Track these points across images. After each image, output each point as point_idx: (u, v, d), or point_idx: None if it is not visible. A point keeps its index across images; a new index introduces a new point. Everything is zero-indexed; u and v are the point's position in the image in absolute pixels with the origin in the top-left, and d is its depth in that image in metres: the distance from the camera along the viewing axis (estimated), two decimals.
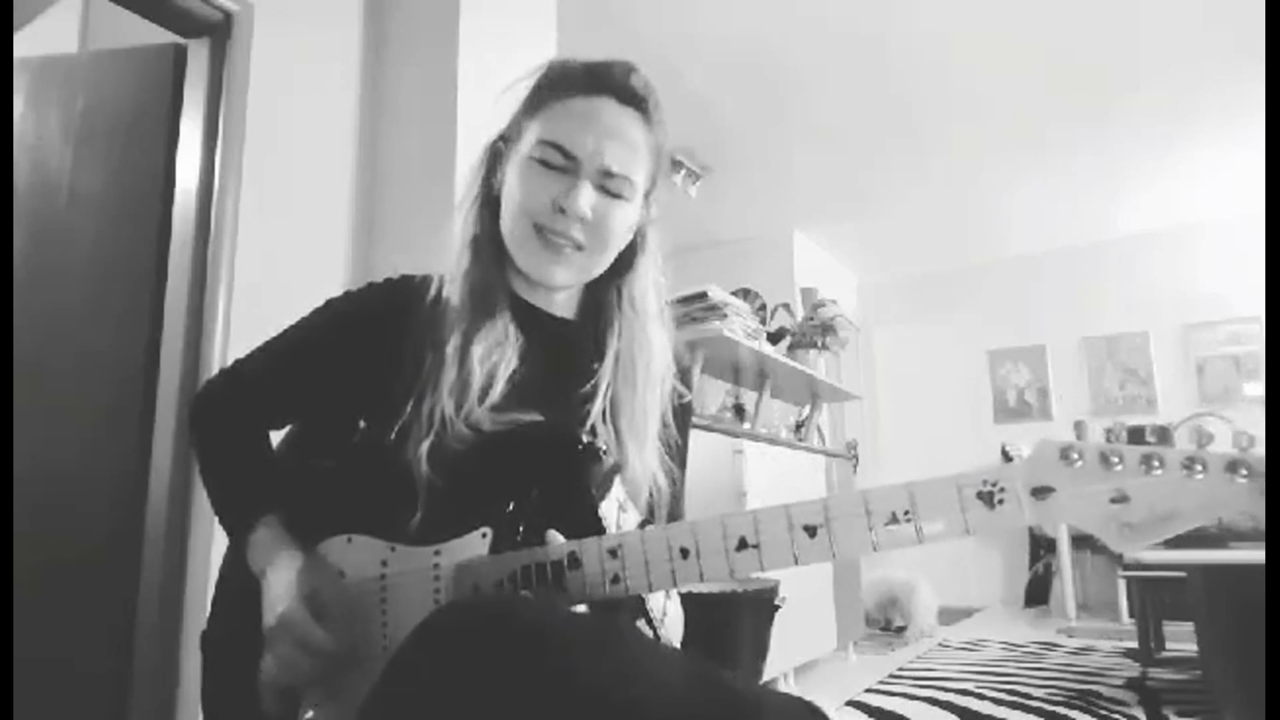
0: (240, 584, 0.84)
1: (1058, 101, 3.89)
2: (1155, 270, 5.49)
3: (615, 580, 0.72)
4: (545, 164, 0.86)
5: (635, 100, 0.90)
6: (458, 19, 2.25)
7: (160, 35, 2.11)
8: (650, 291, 0.96)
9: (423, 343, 0.86)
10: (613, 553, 0.72)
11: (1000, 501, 0.63)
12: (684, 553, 0.70)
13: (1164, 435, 3.18)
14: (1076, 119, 4.07)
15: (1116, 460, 0.61)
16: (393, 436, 0.82)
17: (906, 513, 0.64)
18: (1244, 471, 0.58)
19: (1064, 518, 0.62)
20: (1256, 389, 5.09)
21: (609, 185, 0.87)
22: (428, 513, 0.79)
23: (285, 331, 0.95)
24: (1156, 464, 0.60)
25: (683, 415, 1.01)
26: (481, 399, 0.83)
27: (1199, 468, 0.59)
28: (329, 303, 0.95)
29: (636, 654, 0.63)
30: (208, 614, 0.91)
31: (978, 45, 3.44)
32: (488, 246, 0.91)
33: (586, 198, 0.85)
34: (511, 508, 0.78)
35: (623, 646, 0.63)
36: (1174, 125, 4.14)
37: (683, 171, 4.37)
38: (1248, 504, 0.58)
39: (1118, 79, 3.71)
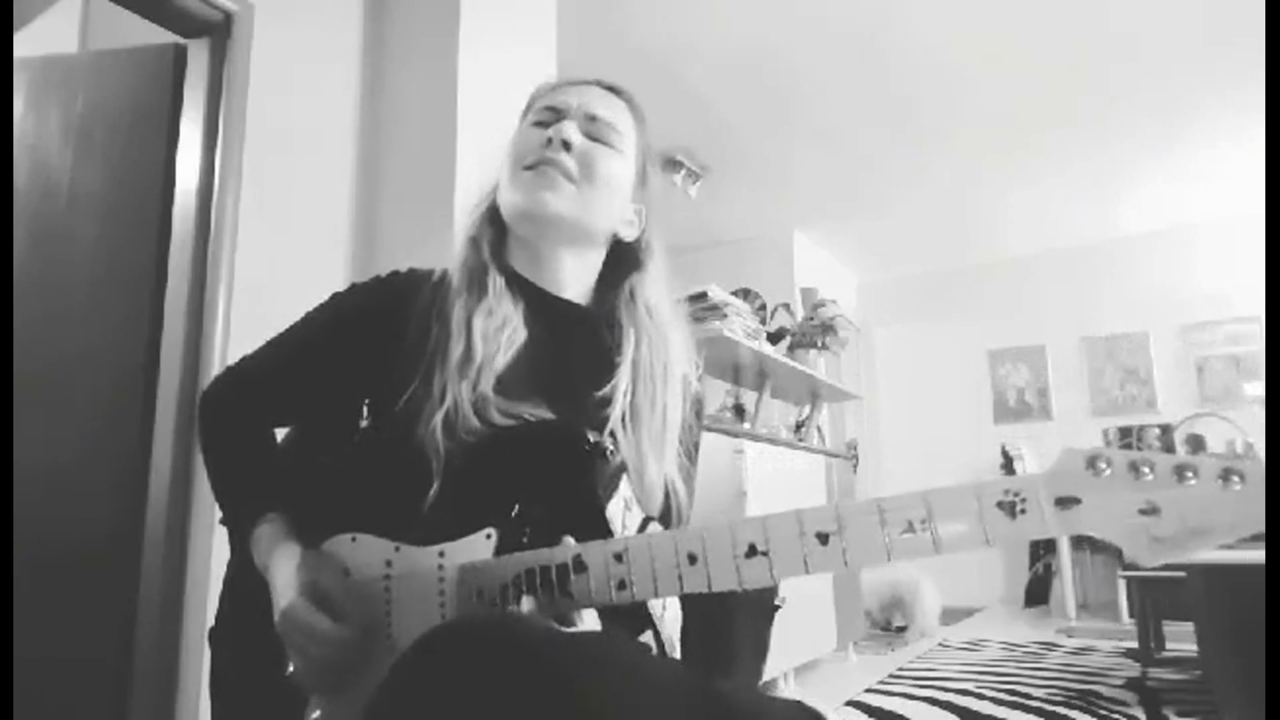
0: (243, 585, 0.85)
1: (1057, 101, 3.89)
2: (1154, 270, 5.49)
3: (622, 586, 0.70)
4: (537, 123, 0.94)
5: (619, 91, 0.98)
6: (458, 19, 2.25)
7: (160, 35, 2.11)
8: (665, 297, 0.98)
9: (428, 319, 0.87)
10: (618, 557, 0.70)
11: (1022, 512, 0.60)
12: (691, 559, 0.68)
13: (1165, 432, 3.17)
14: (1076, 119, 4.07)
15: (1147, 470, 0.57)
16: (400, 405, 0.82)
17: (924, 521, 0.62)
18: None
19: (1090, 529, 0.59)
20: (1256, 389, 5.08)
21: (595, 130, 0.93)
22: (440, 495, 0.79)
23: (290, 327, 0.95)
24: (1190, 474, 0.56)
25: (698, 410, 1.03)
26: (488, 371, 0.83)
27: (1236, 479, 0.54)
28: (333, 296, 0.96)
29: (636, 672, 0.62)
30: (214, 612, 0.93)
31: (978, 46, 3.45)
32: (487, 238, 0.95)
33: (572, 129, 0.91)
34: (517, 508, 0.78)
35: (622, 666, 0.61)
36: (1173, 126, 4.14)
37: (683, 171, 4.36)
38: None
39: (1117, 79, 3.71)
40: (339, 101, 2.32)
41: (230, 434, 0.93)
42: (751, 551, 0.66)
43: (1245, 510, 0.54)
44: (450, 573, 0.76)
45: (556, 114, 0.93)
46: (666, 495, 0.91)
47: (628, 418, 0.89)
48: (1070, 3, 3.16)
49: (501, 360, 0.84)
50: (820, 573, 0.65)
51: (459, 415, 0.80)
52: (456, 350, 0.84)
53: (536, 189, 0.90)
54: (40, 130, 2.15)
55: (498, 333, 0.86)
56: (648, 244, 0.99)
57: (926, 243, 5.74)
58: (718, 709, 0.61)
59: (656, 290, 0.97)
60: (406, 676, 0.61)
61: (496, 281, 0.90)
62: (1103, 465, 0.59)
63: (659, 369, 0.92)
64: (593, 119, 0.93)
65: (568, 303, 0.95)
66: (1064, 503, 0.59)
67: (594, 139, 0.92)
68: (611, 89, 0.98)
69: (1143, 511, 0.57)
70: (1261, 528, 0.54)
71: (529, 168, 0.90)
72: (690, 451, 0.97)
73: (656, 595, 0.70)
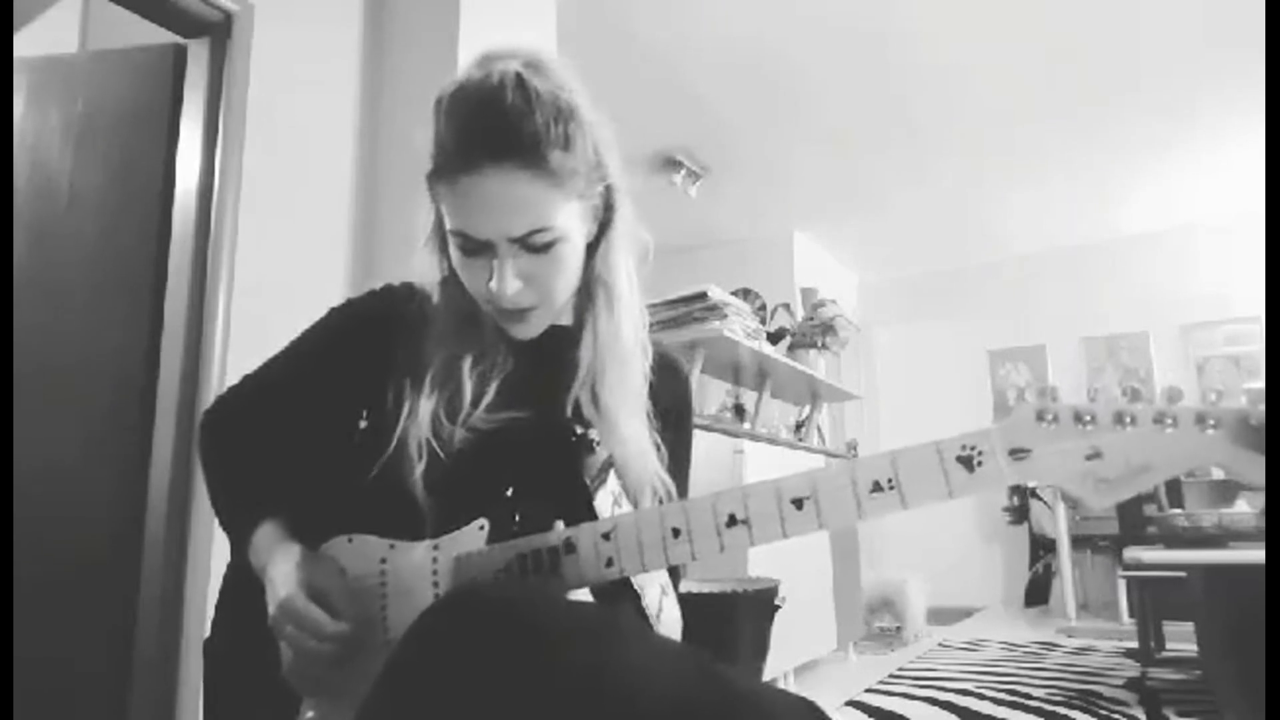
0: (241, 595, 0.85)
1: (1057, 102, 3.89)
2: (1154, 270, 5.49)
3: (610, 563, 0.72)
4: (465, 251, 0.83)
5: (511, 151, 0.78)
6: (458, 19, 2.25)
7: (160, 35, 2.11)
8: (620, 264, 0.92)
9: (405, 369, 0.87)
10: (606, 536, 0.73)
11: (980, 464, 0.65)
12: (675, 532, 0.71)
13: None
14: (1076, 119, 4.07)
15: (1089, 418, 0.63)
16: (376, 472, 0.83)
17: (890, 480, 0.66)
18: (1212, 423, 0.60)
19: (1041, 476, 0.64)
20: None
21: (529, 243, 0.80)
22: (432, 495, 0.80)
23: (288, 344, 0.97)
24: (1128, 420, 0.62)
25: (666, 368, 0.99)
26: (475, 405, 0.84)
27: (1170, 421, 0.61)
28: (329, 311, 0.97)
29: (631, 644, 0.63)
30: (209, 623, 0.93)
31: (978, 46, 3.45)
32: (455, 281, 0.89)
33: (510, 279, 0.81)
34: (508, 497, 0.80)
35: (618, 637, 0.63)
36: (1173, 125, 4.14)
37: (683, 171, 4.36)
38: (1217, 455, 0.60)
39: (1117, 79, 3.71)
40: (339, 101, 2.32)
41: (229, 447, 0.94)
42: (732, 521, 0.69)
43: (1179, 450, 0.61)
44: (444, 565, 0.77)
45: (480, 243, 0.80)
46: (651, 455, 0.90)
47: (597, 383, 0.89)
48: (1071, 3, 3.16)
49: (489, 396, 0.85)
50: (797, 535, 0.68)
51: (441, 444, 0.81)
52: (429, 405, 0.83)
53: (511, 326, 0.87)
54: (40, 130, 2.15)
55: (487, 373, 0.86)
56: (610, 214, 0.90)
57: (926, 243, 5.74)
58: (715, 686, 0.61)
59: (616, 254, 0.92)
60: (407, 653, 0.63)
61: (487, 323, 0.88)
62: (1050, 417, 0.64)
63: (611, 331, 0.90)
64: (519, 239, 0.80)
65: (553, 326, 0.92)
66: (1017, 453, 0.64)
67: (532, 250, 0.81)
68: (506, 155, 0.78)
69: (1089, 457, 0.63)
70: (1196, 464, 0.61)
71: (492, 305, 0.85)
72: (656, 411, 0.93)
73: (644, 569, 0.73)
